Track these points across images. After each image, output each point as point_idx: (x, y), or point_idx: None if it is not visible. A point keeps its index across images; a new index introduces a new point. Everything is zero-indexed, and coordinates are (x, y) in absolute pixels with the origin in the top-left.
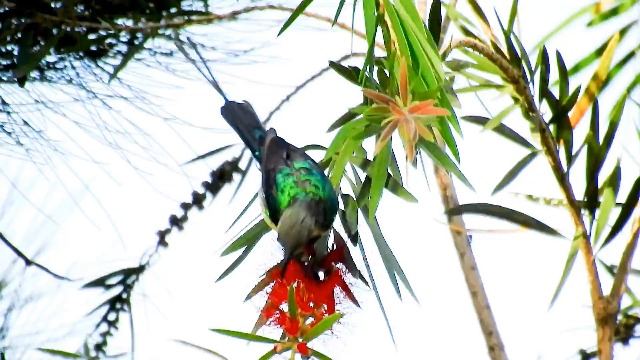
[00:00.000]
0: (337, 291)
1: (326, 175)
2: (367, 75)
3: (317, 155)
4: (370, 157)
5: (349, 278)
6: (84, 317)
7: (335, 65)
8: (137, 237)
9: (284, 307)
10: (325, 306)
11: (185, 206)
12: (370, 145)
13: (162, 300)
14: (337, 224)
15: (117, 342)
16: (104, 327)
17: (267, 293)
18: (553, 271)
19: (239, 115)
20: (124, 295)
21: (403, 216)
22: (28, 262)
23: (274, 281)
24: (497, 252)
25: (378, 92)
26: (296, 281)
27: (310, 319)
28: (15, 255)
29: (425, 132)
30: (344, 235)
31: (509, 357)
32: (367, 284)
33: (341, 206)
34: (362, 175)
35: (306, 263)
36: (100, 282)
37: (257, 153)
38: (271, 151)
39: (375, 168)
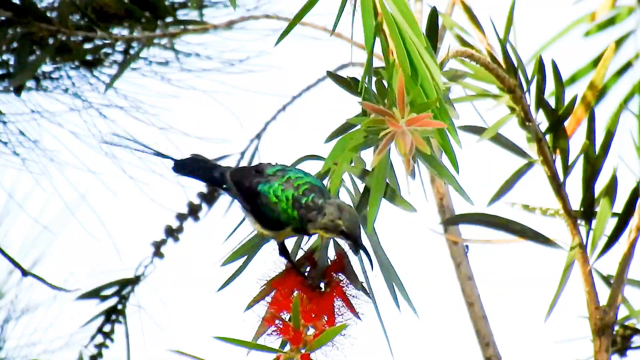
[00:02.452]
0: (338, 302)
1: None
2: (366, 85)
3: (315, 166)
4: (368, 167)
5: (350, 289)
6: (79, 329)
7: (333, 75)
8: (133, 248)
9: (285, 316)
10: (325, 317)
11: (181, 217)
12: (369, 156)
13: (157, 312)
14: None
15: (112, 353)
16: (99, 338)
17: (267, 302)
18: (550, 281)
19: (191, 166)
20: (119, 307)
21: (399, 226)
22: (25, 273)
23: (275, 290)
24: (493, 262)
25: (376, 105)
26: (297, 291)
27: (312, 330)
28: (12, 266)
29: (422, 144)
30: (345, 246)
31: None
32: (368, 295)
33: None
34: (361, 186)
35: (307, 273)
36: (95, 293)
37: (224, 186)
38: (239, 176)
39: (374, 179)
